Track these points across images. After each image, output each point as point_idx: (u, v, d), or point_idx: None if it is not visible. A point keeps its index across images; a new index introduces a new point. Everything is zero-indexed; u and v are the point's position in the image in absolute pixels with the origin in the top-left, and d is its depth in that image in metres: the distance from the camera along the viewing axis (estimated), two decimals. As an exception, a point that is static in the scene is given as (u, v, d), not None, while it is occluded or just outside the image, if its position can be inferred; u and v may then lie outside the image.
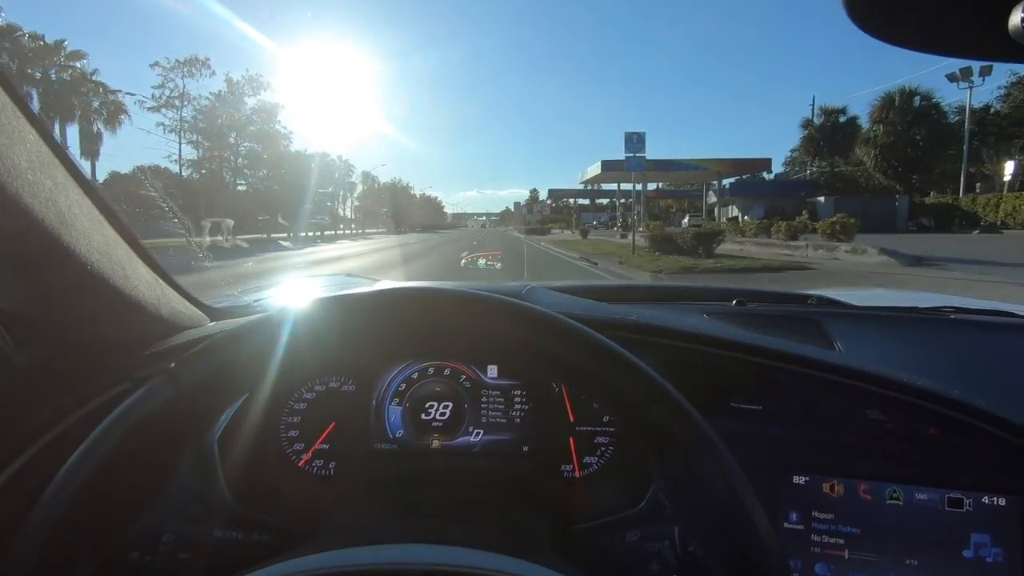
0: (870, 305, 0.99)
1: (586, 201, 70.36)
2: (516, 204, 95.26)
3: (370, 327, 0.45)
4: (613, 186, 53.04)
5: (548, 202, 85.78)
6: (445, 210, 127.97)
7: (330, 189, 48.78)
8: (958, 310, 0.94)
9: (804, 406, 0.64)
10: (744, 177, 40.86)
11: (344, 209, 52.05)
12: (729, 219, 35.01)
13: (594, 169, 39.48)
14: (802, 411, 0.64)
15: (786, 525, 0.59)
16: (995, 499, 0.56)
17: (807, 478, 0.60)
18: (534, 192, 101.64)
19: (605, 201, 73.92)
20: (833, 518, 0.59)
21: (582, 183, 49.49)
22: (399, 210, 61.43)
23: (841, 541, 0.58)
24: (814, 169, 41.38)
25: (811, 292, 1.15)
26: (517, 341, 0.43)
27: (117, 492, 0.39)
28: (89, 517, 0.38)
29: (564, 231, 46.91)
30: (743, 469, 0.59)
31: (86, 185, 0.58)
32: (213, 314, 0.85)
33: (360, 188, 54.88)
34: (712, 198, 41.82)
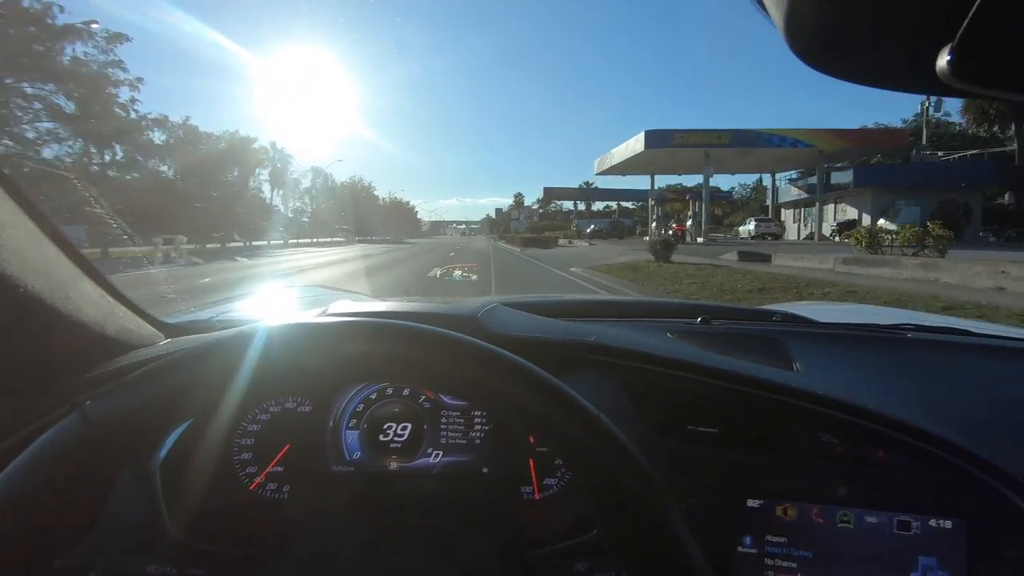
0: (832, 322, 1.01)
1: (582, 206, 64.23)
2: (498, 210, 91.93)
3: (318, 355, 0.45)
4: (637, 183, 40.29)
5: (536, 207, 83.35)
6: (420, 217, 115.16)
7: (274, 188, 37.57)
8: (916, 328, 0.96)
9: (759, 428, 0.64)
10: (877, 159, 29.81)
11: (286, 210, 42.18)
12: (839, 224, 25.47)
13: (627, 148, 27.49)
14: (757, 433, 0.64)
15: (740, 549, 0.59)
16: (941, 522, 0.57)
17: (761, 501, 0.60)
18: (519, 197, 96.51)
19: (602, 206, 67.35)
20: (786, 541, 0.59)
21: (600, 173, 35.22)
22: (359, 216, 52.50)
23: (794, 565, 0.58)
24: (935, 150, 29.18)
25: (776, 308, 1.17)
26: (457, 375, 0.43)
27: (37, 530, 0.37)
28: (6, 556, 0.36)
29: (572, 242, 33.16)
30: (699, 491, 0.59)
31: (24, 203, 0.56)
32: (168, 331, 0.82)
33: (303, 186, 44.91)
34: (792, 193, 30.75)
